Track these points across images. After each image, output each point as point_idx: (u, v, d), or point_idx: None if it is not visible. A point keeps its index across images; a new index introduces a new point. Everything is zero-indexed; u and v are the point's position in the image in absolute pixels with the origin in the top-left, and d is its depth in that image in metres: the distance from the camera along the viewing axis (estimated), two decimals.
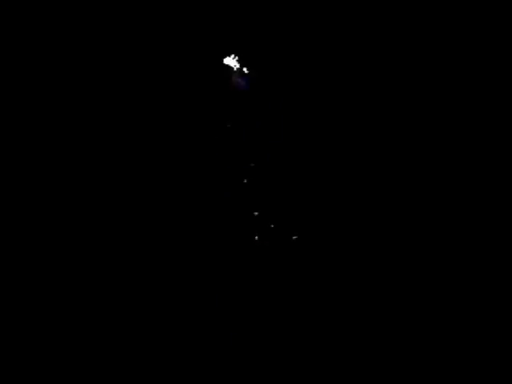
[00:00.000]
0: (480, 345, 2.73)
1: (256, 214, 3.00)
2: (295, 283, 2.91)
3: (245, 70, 3.01)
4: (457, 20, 2.99)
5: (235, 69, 2.99)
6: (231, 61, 3.03)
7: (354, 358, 2.76)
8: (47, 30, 3.00)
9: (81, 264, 2.88)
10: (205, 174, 3.04)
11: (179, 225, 2.97)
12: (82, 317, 2.80)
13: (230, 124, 3.08)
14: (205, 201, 3.01)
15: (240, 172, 3.04)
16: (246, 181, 3.03)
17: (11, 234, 2.87)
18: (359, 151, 3.03)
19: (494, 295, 2.80)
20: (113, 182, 2.98)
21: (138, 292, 2.85)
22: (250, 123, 3.07)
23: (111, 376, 2.71)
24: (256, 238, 2.97)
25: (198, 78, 3.09)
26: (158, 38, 3.05)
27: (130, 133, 3.03)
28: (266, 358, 2.76)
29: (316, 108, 3.08)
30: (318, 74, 3.08)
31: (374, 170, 3.01)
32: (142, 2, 3.01)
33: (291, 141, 3.06)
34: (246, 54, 3.08)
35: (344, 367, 2.75)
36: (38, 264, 2.85)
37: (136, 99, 3.06)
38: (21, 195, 2.92)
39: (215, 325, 2.81)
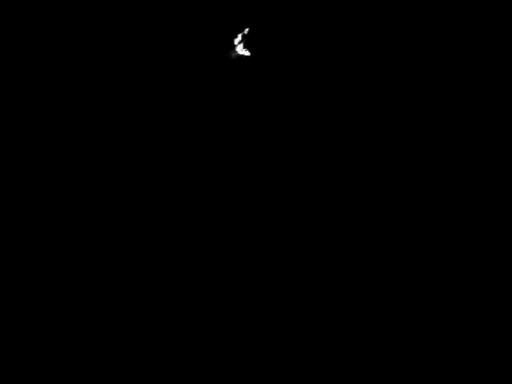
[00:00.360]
0: (480, 345, 2.73)
1: (256, 213, 3.00)
2: (295, 283, 2.90)
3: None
4: (457, 20, 3.00)
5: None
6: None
7: (354, 357, 2.76)
8: (47, 30, 3.00)
9: (80, 264, 2.88)
10: (205, 173, 3.03)
11: (179, 225, 2.97)
12: (81, 316, 2.80)
13: (230, 124, 3.07)
14: (205, 201, 3.01)
15: (240, 172, 3.04)
16: (246, 180, 3.03)
17: (11, 233, 2.87)
18: (360, 151, 3.03)
19: (494, 295, 2.80)
20: (112, 181, 2.98)
21: (137, 292, 2.85)
22: (250, 123, 3.07)
23: (111, 376, 2.71)
24: (256, 237, 2.97)
25: (197, 78, 3.09)
26: (157, 36, 3.05)
27: (129, 132, 3.03)
28: (266, 358, 2.76)
29: (316, 108, 3.08)
30: (317, 73, 3.08)
31: (375, 170, 3.01)
32: None
33: (291, 141, 3.06)
34: (245, 53, 3.08)
35: (344, 367, 2.75)
36: (38, 264, 2.85)
37: (135, 99, 3.05)
38: (20, 195, 2.92)
39: (215, 325, 2.81)
